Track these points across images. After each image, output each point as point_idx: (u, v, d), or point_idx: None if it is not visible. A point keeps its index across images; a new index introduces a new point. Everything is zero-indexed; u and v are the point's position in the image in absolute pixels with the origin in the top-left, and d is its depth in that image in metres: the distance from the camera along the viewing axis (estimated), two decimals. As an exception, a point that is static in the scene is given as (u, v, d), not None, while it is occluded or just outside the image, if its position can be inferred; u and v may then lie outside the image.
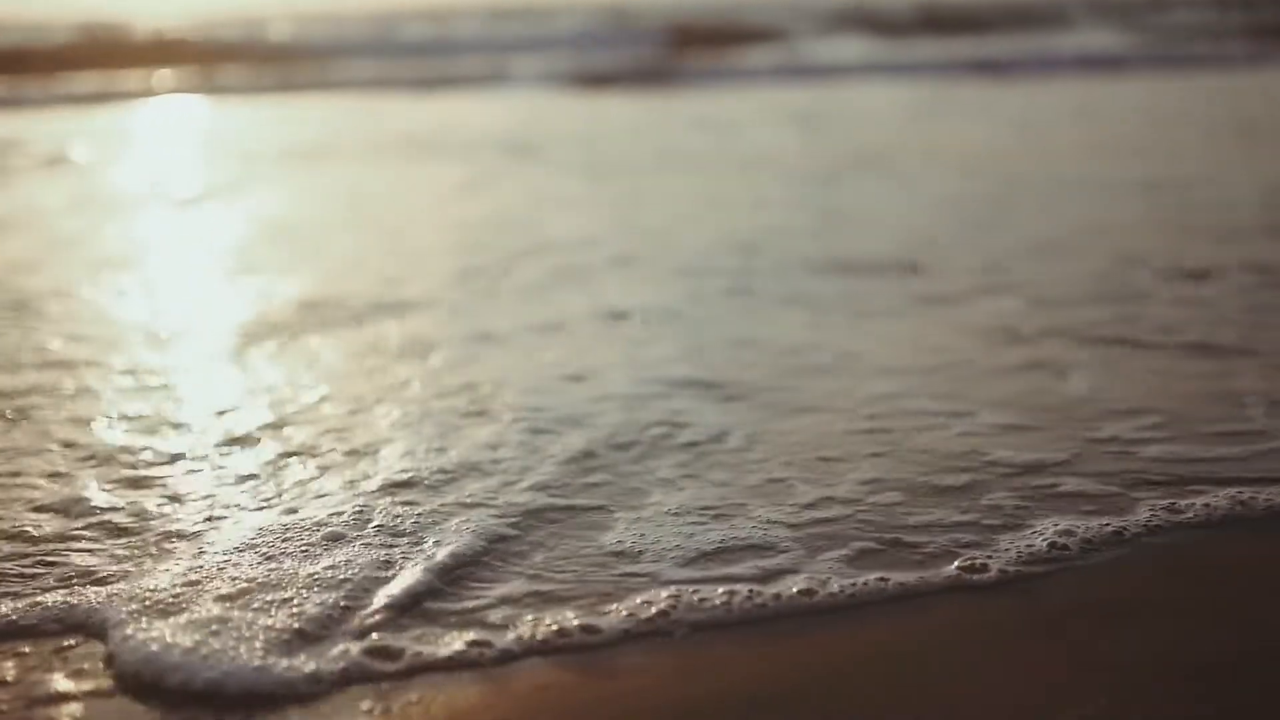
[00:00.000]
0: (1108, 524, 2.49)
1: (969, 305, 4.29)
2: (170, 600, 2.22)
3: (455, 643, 2.07)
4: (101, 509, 2.66)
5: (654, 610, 2.16)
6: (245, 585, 2.27)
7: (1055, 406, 3.21)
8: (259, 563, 2.36)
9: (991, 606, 2.21)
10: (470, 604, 2.21)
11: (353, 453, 2.96)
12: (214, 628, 2.11)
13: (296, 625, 2.12)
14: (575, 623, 2.13)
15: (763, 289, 4.58)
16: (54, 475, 2.87)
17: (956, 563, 2.34)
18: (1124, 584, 2.28)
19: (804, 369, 3.59)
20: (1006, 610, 2.19)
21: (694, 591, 2.22)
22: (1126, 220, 5.81)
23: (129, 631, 2.11)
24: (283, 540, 2.45)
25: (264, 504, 2.66)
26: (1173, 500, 2.60)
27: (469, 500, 2.65)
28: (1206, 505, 2.58)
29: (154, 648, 2.06)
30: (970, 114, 11.24)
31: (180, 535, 2.52)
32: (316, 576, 2.29)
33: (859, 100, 12.83)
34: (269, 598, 2.22)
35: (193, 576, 2.31)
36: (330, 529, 2.50)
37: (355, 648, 2.06)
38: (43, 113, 13.01)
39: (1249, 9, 23.25)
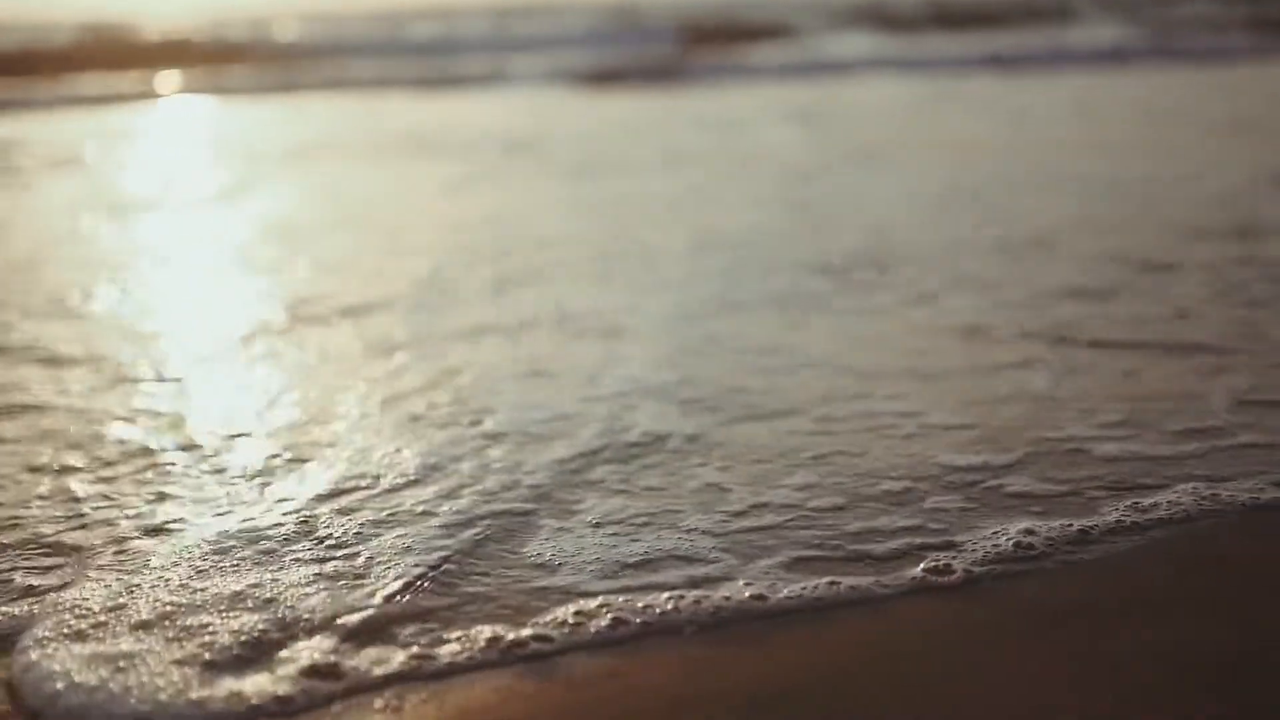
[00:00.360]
0: (1071, 524, 2.47)
1: (940, 304, 4.27)
2: (93, 625, 2.13)
3: (398, 657, 2.03)
4: (46, 518, 2.65)
5: (609, 617, 2.14)
6: (176, 605, 2.20)
7: (1016, 406, 3.19)
8: (195, 579, 2.31)
9: (976, 607, 2.19)
10: (409, 617, 2.16)
11: (308, 459, 2.94)
12: (138, 655, 2.01)
13: (222, 651, 2.04)
14: (526, 633, 2.10)
15: (737, 289, 4.56)
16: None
17: (922, 565, 2.31)
18: (1110, 583, 2.26)
19: (765, 370, 3.57)
20: (994, 611, 2.17)
21: (629, 599, 2.21)
22: (1106, 217, 5.78)
23: (33, 658, 2.02)
24: (221, 553, 2.41)
25: (211, 513, 2.64)
26: (1137, 499, 2.58)
27: (415, 509, 2.63)
28: (1170, 503, 2.56)
29: (59, 685, 1.94)
30: (972, 110, 11.21)
31: (122, 542, 2.50)
32: (249, 594, 2.24)
33: (863, 97, 12.81)
34: (198, 620, 2.14)
35: (122, 600, 2.23)
36: (271, 541, 2.47)
37: (293, 669, 1.99)
38: (47, 114, 13.05)
39: (1254, 3, 23.13)
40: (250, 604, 2.20)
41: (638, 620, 2.14)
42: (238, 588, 2.27)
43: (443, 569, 2.34)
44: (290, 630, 2.11)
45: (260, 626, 2.12)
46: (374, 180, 8.04)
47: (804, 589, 2.23)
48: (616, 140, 9.62)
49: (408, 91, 15.12)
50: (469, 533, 2.50)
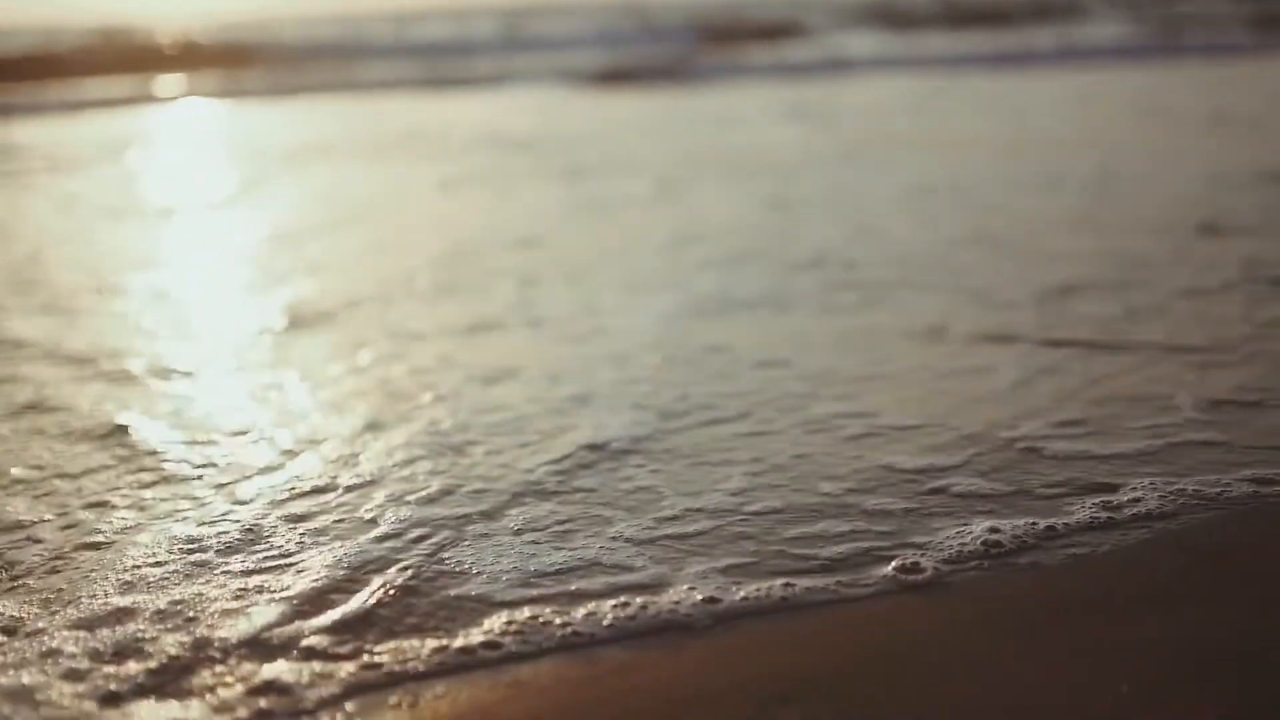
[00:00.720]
0: (1036, 522, 2.43)
1: (907, 304, 4.24)
2: (6, 650, 2.06)
3: (344, 669, 1.99)
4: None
5: (559, 622, 2.12)
6: (103, 624, 2.14)
7: (970, 406, 3.15)
8: (126, 595, 2.25)
9: (962, 606, 2.17)
10: (346, 630, 2.13)
11: (265, 465, 2.93)
12: (41, 688, 1.93)
13: (144, 677, 1.97)
14: (477, 640, 2.07)
15: (710, 291, 4.53)
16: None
17: (893, 564, 2.29)
18: (1085, 580, 2.23)
19: (724, 374, 3.52)
20: (979, 610, 2.14)
21: (562, 607, 2.19)
22: (1085, 215, 5.77)
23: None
24: (157, 566, 2.37)
25: (162, 521, 2.61)
26: (1105, 497, 2.55)
27: (363, 515, 2.61)
28: (1138, 500, 2.53)
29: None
30: (972, 107, 11.21)
31: (60, 554, 2.48)
32: (181, 612, 2.18)
33: (865, 95, 12.83)
34: (125, 642, 2.07)
35: (41, 624, 2.16)
36: (210, 553, 2.43)
37: (237, 692, 1.92)
38: (56, 118, 13.12)
39: (1259, 0, 23.02)
40: (182, 621, 2.16)
41: (603, 625, 2.12)
42: (168, 605, 2.22)
43: (388, 579, 2.30)
44: (216, 650, 2.06)
45: (188, 646, 2.06)
46: (375, 182, 8.10)
47: (759, 590, 2.21)
48: (616, 140, 9.67)
49: (417, 93, 15.20)
50: (408, 542, 2.47)
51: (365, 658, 2.03)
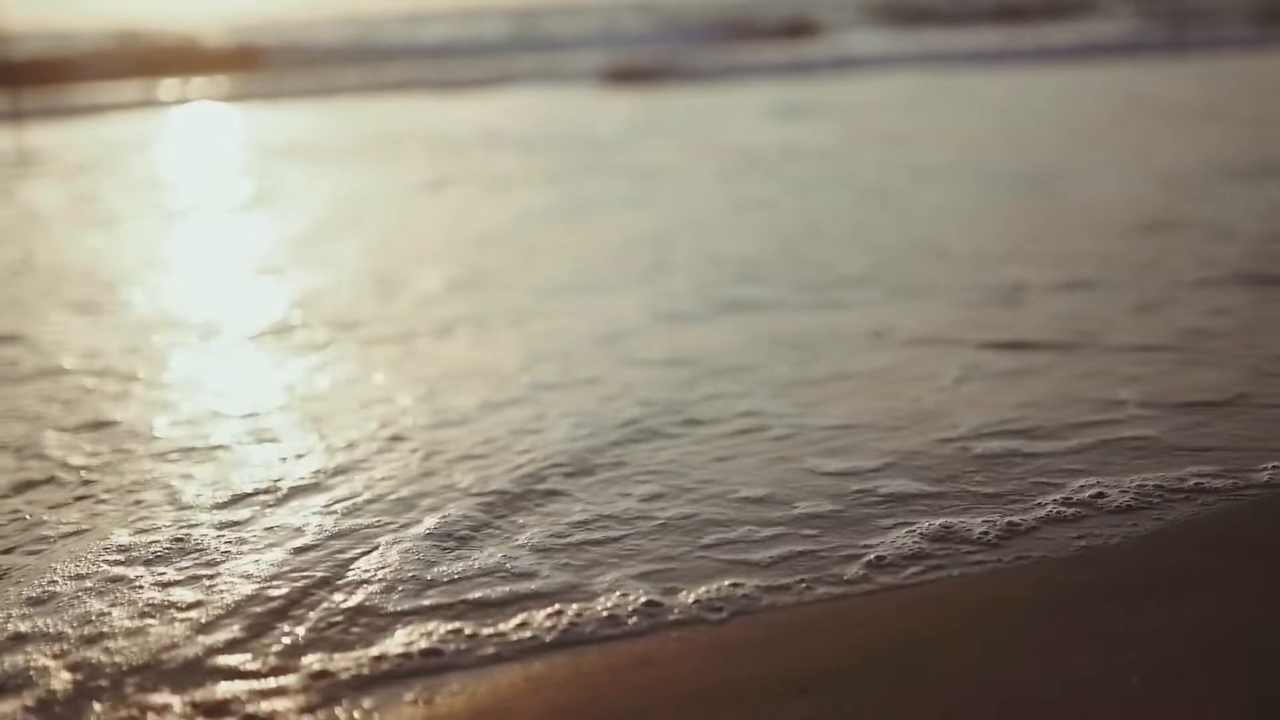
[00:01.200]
0: (996, 519, 2.43)
1: (853, 306, 4.23)
2: None
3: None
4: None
5: (487, 634, 2.11)
6: (25, 635, 2.13)
7: (914, 409, 3.14)
8: (47, 611, 2.23)
9: (945, 604, 2.16)
10: (257, 648, 2.09)
11: (210, 470, 2.94)
12: None
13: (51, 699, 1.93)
14: (417, 648, 2.06)
15: (658, 294, 4.55)
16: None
17: (863, 563, 2.29)
18: (1088, 571, 2.22)
19: (673, 382, 3.48)
20: (964, 606, 2.13)
21: (487, 615, 2.19)
22: (1048, 212, 5.80)
23: None
24: (78, 579, 2.35)
25: (99, 528, 2.62)
26: (1064, 494, 2.54)
27: (291, 523, 2.60)
28: (1101, 496, 2.52)
29: None
30: (969, 104, 11.30)
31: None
32: (82, 632, 2.14)
33: (865, 92, 12.88)
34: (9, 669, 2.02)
35: None
36: (138, 565, 2.41)
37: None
38: (69, 122, 13.23)
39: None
40: (85, 641, 2.13)
41: (547, 632, 2.12)
42: (74, 621, 2.19)
43: (307, 591, 2.28)
44: (110, 675, 2.01)
45: (85, 670, 2.03)
46: (372, 184, 8.22)
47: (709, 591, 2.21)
48: (615, 140, 9.77)
49: (426, 94, 15.30)
50: (332, 554, 2.45)
51: (277, 677, 2.00)
